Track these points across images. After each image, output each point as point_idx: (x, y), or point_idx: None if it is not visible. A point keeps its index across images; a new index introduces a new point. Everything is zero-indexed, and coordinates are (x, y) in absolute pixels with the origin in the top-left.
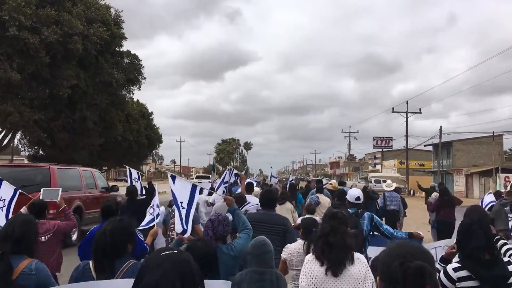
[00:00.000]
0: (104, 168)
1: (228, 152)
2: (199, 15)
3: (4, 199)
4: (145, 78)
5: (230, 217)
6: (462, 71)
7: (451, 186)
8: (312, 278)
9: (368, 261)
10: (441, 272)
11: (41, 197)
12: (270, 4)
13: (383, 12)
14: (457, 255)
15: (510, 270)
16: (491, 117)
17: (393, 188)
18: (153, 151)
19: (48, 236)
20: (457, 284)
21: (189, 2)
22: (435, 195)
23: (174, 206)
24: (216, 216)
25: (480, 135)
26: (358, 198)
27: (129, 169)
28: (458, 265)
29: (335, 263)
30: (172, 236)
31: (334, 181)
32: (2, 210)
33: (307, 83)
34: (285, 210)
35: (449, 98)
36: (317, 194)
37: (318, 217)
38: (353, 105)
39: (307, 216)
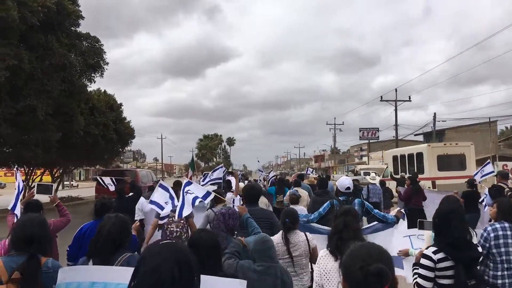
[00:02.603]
0: (72, 167)
1: (211, 148)
2: (178, 12)
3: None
4: (107, 64)
5: (212, 214)
6: (440, 62)
7: None
8: (325, 273)
9: None
10: (422, 258)
11: (35, 192)
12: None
13: (361, 5)
14: (431, 238)
15: (479, 251)
16: (469, 107)
17: (376, 181)
18: (127, 148)
19: None
20: (437, 265)
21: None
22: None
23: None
24: (226, 209)
25: (476, 122)
26: (348, 188)
27: (100, 178)
28: (435, 248)
29: None
30: (171, 229)
31: (311, 175)
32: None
33: (288, 77)
34: (263, 204)
35: (427, 90)
36: (296, 188)
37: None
38: (334, 99)
39: (290, 207)
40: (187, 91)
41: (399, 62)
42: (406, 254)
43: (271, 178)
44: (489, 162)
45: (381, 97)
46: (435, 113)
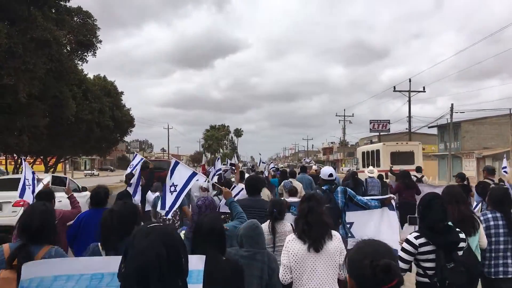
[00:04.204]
0: (68, 156)
1: (217, 139)
2: (188, 3)
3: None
4: (100, 42)
5: (218, 201)
6: (450, 55)
7: (459, 171)
8: (293, 256)
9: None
10: (404, 242)
11: (50, 184)
12: None
13: None
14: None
15: (460, 236)
16: (479, 100)
17: (374, 175)
18: (127, 136)
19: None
20: (419, 249)
21: None
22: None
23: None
24: (203, 201)
25: (494, 115)
26: (330, 175)
27: (135, 154)
28: (417, 233)
29: (315, 240)
30: (164, 217)
31: (314, 167)
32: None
33: (297, 69)
34: (265, 196)
35: (436, 83)
36: (290, 179)
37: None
38: (342, 91)
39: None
40: (195, 82)
41: (408, 54)
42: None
43: (271, 169)
44: (505, 157)
45: (394, 87)
46: (452, 104)
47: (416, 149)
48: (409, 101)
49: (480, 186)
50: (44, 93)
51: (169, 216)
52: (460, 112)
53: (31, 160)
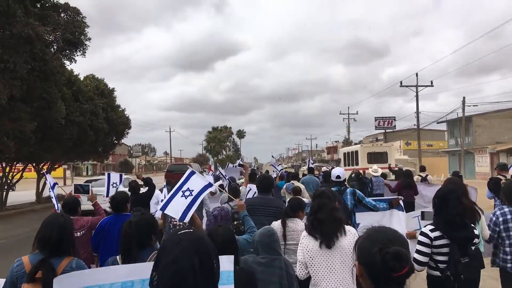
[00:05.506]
0: (61, 161)
1: (220, 140)
2: (187, 6)
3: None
4: (89, 39)
5: (229, 208)
6: (450, 51)
7: (472, 167)
8: (307, 252)
9: (357, 227)
10: (419, 234)
11: (73, 193)
12: None
13: None
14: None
15: (475, 232)
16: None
17: (379, 173)
18: (124, 139)
19: (83, 231)
20: (433, 242)
21: None
22: (417, 178)
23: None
24: (219, 211)
25: (507, 108)
26: (338, 177)
27: (107, 174)
28: (432, 227)
29: (327, 236)
30: (174, 222)
31: (324, 168)
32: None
33: (298, 70)
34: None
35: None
36: (292, 181)
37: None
38: (344, 90)
39: (291, 198)
40: (197, 85)
41: (409, 52)
42: (413, 236)
43: (280, 171)
44: None
45: (401, 82)
46: (464, 97)
47: (389, 149)
48: (417, 96)
49: (492, 181)
50: (28, 95)
51: (186, 221)
52: (473, 105)
53: (21, 167)
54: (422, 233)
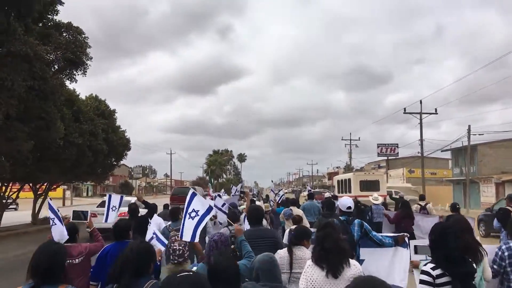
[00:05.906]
0: (60, 182)
1: (220, 164)
2: (192, 31)
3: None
4: (91, 59)
5: (228, 233)
6: (452, 81)
7: (477, 197)
8: (311, 282)
9: (360, 263)
10: (420, 274)
11: (71, 219)
12: (261, 18)
13: (372, 23)
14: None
15: (474, 267)
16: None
17: (379, 201)
18: (123, 160)
19: (81, 258)
20: (436, 280)
21: (181, 18)
22: (416, 207)
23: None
24: (219, 236)
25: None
26: (349, 208)
27: (108, 195)
28: (433, 264)
29: (333, 266)
30: (174, 247)
31: (327, 194)
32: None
33: (300, 95)
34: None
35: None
36: (291, 207)
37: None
38: (345, 116)
39: (297, 226)
40: (199, 108)
41: (411, 80)
42: (417, 266)
43: (281, 196)
44: None
45: (405, 109)
46: (469, 126)
47: (381, 178)
48: (421, 123)
49: (500, 212)
50: (26, 114)
51: (196, 240)
52: (479, 134)
53: (17, 188)
54: (424, 272)
